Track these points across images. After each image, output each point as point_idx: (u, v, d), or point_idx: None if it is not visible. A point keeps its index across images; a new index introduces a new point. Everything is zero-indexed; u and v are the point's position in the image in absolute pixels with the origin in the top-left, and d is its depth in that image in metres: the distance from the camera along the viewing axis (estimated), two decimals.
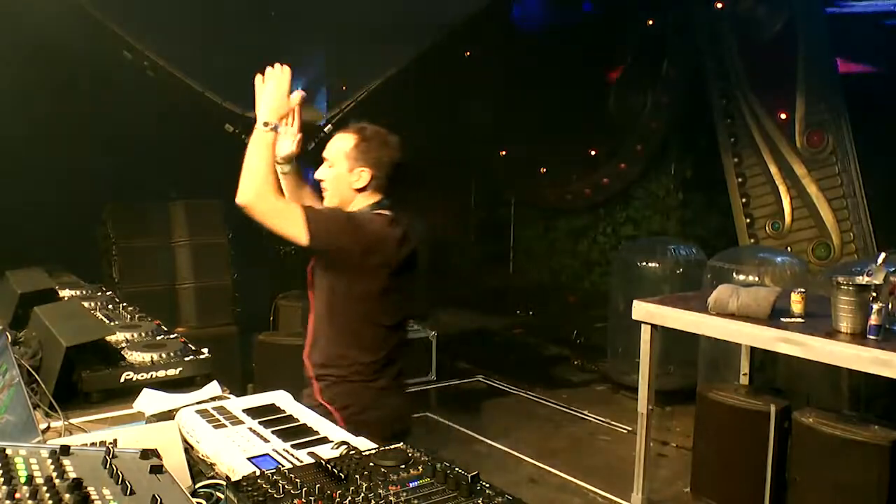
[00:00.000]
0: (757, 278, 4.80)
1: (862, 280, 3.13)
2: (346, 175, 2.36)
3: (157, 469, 1.27)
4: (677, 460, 4.55)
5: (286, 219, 2.20)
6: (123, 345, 2.35)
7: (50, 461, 1.23)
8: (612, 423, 5.24)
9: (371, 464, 1.37)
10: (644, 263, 5.84)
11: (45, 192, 5.14)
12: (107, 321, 2.66)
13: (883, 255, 3.28)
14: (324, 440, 1.63)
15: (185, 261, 5.67)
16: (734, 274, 4.84)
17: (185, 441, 1.65)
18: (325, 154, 2.41)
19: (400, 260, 2.36)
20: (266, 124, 2.25)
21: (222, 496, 1.41)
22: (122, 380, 2.12)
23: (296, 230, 2.18)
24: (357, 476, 1.32)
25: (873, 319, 3.03)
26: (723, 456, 3.76)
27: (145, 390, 2.05)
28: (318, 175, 2.42)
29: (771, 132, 6.28)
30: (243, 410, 1.82)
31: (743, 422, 3.66)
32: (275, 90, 2.28)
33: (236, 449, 1.56)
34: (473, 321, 8.05)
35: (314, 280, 2.43)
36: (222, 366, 2.49)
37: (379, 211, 2.37)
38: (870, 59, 6.25)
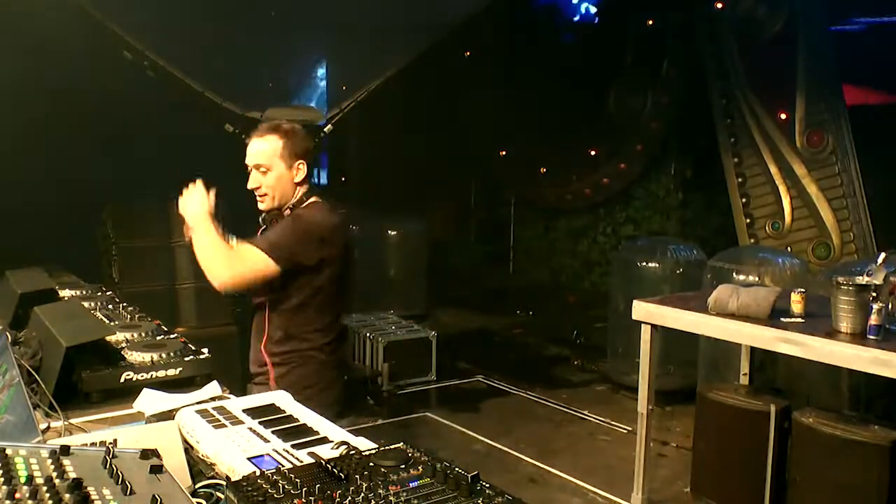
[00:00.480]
0: (757, 278, 4.80)
1: (862, 280, 3.13)
2: (286, 173, 2.52)
3: (157, 469, 1.27)
4: (677, 460, 4.55)
5: (253, 265, 2.41)
6: (123, 345, 2.35)
7: (50, 461, 1.23)
8: (612, 423, 5.24)
9: (371, 464, 1.37)
10: (644, 263, 5.84)
11: (45, 192, 5.14)
12: (107, 321, 2.66)
13: (883, 254, 3.28)
14: (324, 440, 1.63)
15: (185, 261, 5.66)
16: (734, 274, 4.84)
17: (185, 441, 1.65)
18: (252, 162, 2.53)
19: (346, 243, 2.58)
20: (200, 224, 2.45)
21: (222, 496, 1.41)
22: (122, 380, 2.12)
23: (264, 267, 2.40)
24: (357, 476, 1.32)
25: (873, 319, 3.03)
26: (723, 456, 3.76)
27: (145, 390, 2.05)
28: (252, 184, 2.54)
29: (771, 132, 6.29)
30: (243, 410, 1.82)
31: (743, 422, 3.65)
32: (197, 203, 2.48)
33: (236, 449, 1.56)
34: (473, 321, 8.06)
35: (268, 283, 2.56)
36: (222, 366, 2.49)
37: (313, 199, 2.56)
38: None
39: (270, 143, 2.51)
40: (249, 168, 2.55)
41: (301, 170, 2.53)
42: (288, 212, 2.56)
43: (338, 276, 2.53)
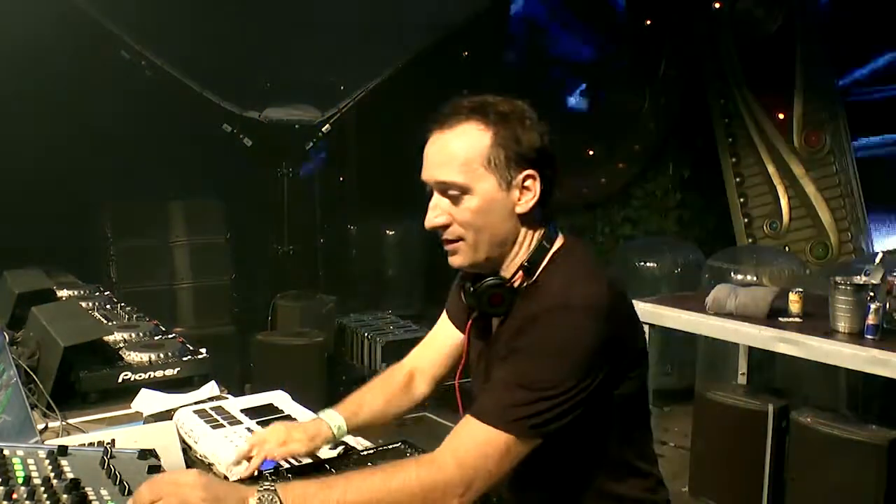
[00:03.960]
0: (755, 278, 4.80)
1: (859, 280, 3.14)
2: (500, 196, 1.43)
3: (155, 469, 1.27)
4: (675, 460, 4.54)
5: (487, 461, 1.29)
6: (121, 345, 2.35)
7: (47, 461, 1.23)
8: None
9: (369, 463, 1.37)
10: (642, 263, 5.84)
11: (42, 192, 5.13)
12: (105, 321, 2.66)
13: (881, 254, 3.28)
14: None
15: (183, 261, 5.67)
16: (732, 274, 4.85)
17: (183, 441, 1.65)
18: (432, 177, 1.46)
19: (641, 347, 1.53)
20: None
21: None
22: (119, 380, 2.12)
23: (513, 453, 1.30)
24: None
25: (871, 319, 3.03)
26: (721, 455, 3.76)
27: (143, 390, 2.05)
28: (434, 220, 1.46)
29: (769, 132, 6.29)
30: (241, 410, 1.82)
31: (741, 421, 3.66)
32: None
33: (234, 449, 1.56)
34: None
35: None
36: (220, 366, 2.48)
37: (560, 243, 1.50)
38: None
39: (468, 140, 1.42)
40: (428, 188, 1.49)
41: (531, 189, 1.44)
42: (520, 276, 1.45)
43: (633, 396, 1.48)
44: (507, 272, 1.47)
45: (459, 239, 1.44)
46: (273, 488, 1.17)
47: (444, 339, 1.75)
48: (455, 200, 1.43)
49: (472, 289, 1.47)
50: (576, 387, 1.31)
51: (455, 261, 1.48)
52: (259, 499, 1.16)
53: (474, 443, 1.29)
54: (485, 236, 1.43)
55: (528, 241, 1.47)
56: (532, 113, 1.46)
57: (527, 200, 1.44)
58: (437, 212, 1.45)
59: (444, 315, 1.76)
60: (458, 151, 1.41)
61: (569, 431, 1.33)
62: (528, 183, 1.44)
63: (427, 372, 1.78)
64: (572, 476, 1.46)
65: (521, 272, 1.46)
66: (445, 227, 1.45)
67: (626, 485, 1.48)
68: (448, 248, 1.47)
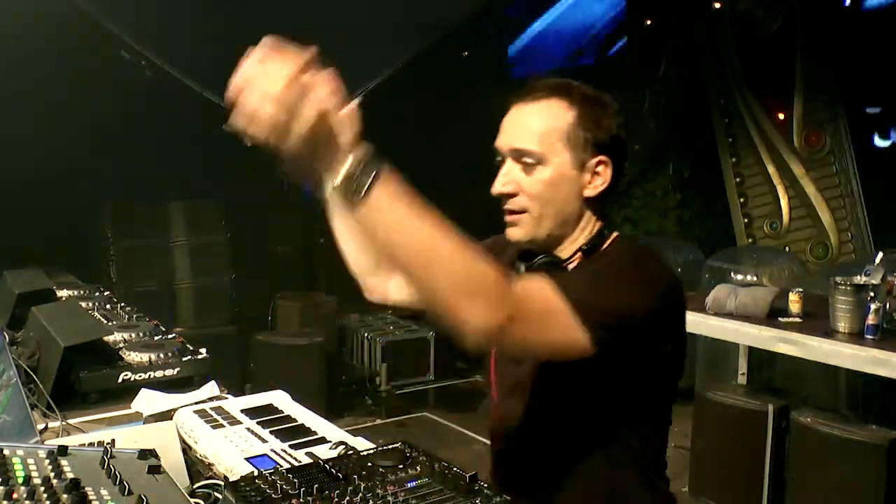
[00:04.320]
0: (755, 278, 4.81)
1: (859, 280, 3.14)
2: (573, 176, 1.42)
3: (155, 469, 1.27)
4: (676, 460, 4.51)
5: (545, 317, 1.22)
6: (121, 345, 2.35)
7: (47, 461, 1.23)
8: None
9: (369, 464, 1.37)
10: None
11: (42, 192, 5.13)
12: (104, 321, 2.66)
13: (881, 254, 3.29)
14: (322, 440, 1.63)
15: (183, 261, 5.67)
16: (732, 274, 4.85)
17: (183, 441, 1.65)
18: (509, 143, 1.43)
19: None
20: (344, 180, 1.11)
21: (220, 496, 1.41)
22: (119, 380, 2.12)
23: (567, 333, 1.24)
24: (355, 476, 1.31)
25: (871, 319, 3.03)
26: (721, 455, 3.77)
27: (143, 390, 2.05)
28: (502, 185, 1.43)
29: (769, 132, 6.29)
30: (241, 410, 1.82)
31: (741, 421, 3.66)
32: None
33: (234, 449, 1.56)
34: None
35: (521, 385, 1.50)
36: (220, 366, 2.48)
37: (615, 234, 1.49)
38: None
39: (550, 114, 1.41)
40: (500, 156, 1.46)
41: (602, 175, 1.43)
42: (579, 256, 1.45)
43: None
44: (563, 253, 1.46)
45: (523, 211, 1.43)
46: (379, 160, 1.09)
47: None
48: (528, 170, 1.42)
49: (530, 264, 1.45)
50: (642, 311, 1.32)
51: (515, 233, 1.45)
52: (360, 156, 1.09)
53: (543, 296, 1.23)
54: (550, 211, 1.42)
55: (589, 226, 1.46)
56: (613, 103, 1.46)
57: (596, 185, 1.43)
58: (508, 179, 1.43)
59: None
60: (539, 122, 1.41)
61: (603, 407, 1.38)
62: (600, 169, 1.43)
63: None
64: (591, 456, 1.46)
65: (580, 254, 1.45)
66: (512, 196, 1.43)
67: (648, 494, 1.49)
68: (510, 219, 1.45)
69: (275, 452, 1.55)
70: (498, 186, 1.43)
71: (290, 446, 1.58)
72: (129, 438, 1.54)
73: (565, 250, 1.46)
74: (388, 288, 1.63)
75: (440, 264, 1.12)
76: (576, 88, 1.44)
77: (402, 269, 1.17)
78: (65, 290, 3.23)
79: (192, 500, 1.39)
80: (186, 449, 1.64)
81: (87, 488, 1.15)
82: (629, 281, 1.35)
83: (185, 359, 2.26)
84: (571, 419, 1.45)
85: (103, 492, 1.16)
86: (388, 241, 1.13)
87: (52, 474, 1.19)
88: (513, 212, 1.44)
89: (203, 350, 2.34)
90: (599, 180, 1.43)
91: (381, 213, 1.10)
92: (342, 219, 1.54)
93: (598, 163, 1.42)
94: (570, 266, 1.45)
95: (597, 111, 1.43)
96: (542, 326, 1.22)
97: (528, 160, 1.40)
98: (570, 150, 1.40)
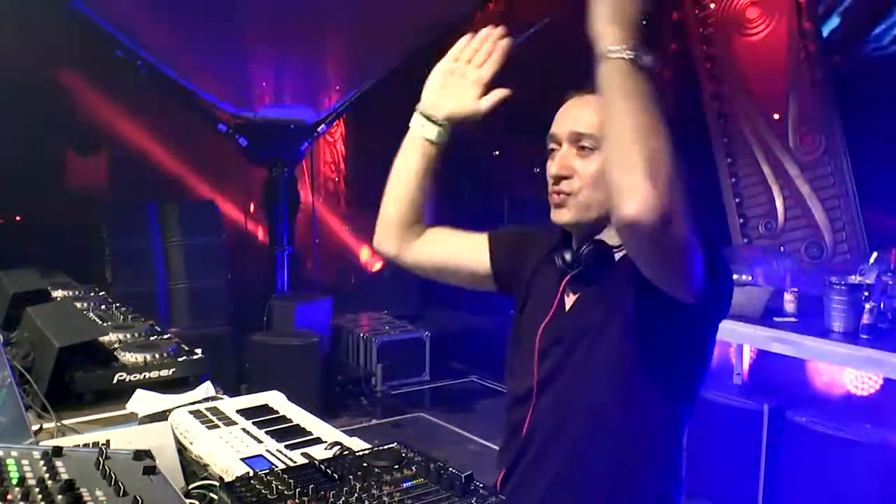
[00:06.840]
0: (750, 278, 4.81)
1: (854, 279, 3.15)
2: None
3: (151, 470, 1.26)
4: None
5: (690, 244, 1.35)
6: (116, 345, 2.34)
7: (42, 462, 1.23)
8: None
9: (364, 464, 1.37)
10: None
11: (38, 192, 5.13)
12: (99, 322, 2.65)
13: (875, 254, 3.29)
14: (317, 441, 1.63)
15: (179, 261, 5.66)
16: None
17: (178, 442, 1.65)
18: (569, 127, 1.52)
19: None
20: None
21: (216, 497, 1.41)
22: (114, 380, 2.11)
23: (693, 268, 1.36)
24: (350, 476, 1.32)
25: (865, 318, 3.04)
26: (717, 455, 3.77)
27: (138, 391, 2.05)
28: (557, 168, 1.51)
29: (764, 132, 6.30)
30: (237, 411, 1.81)
31: (736, 421, 3.66)
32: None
33: (230, 449, 1.56)
34: (467, 321, 8.05)
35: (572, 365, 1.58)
36: (216, 366, 2.48)
37: None
38: None
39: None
40: (554, 142, 1.55)
41: None
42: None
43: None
44: (612, 240, 1.52)
45: (572, 194, 1.50)
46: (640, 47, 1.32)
47: (470, 244, 1.79)
48: (584, 154, 1.49)
49: (585, 246, 1.52)
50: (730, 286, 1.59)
51: (561, 215, 1.52)
52: (628, 52, 1.34)
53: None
54: (600, 196, 1.46)
55: None
56: (668, 106, 1.56)
57: None
58: (564, 162, 1.51)
59: (485, 238, 1.78)
60: (597, 113, 1.44)
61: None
62: None
63: (433, 239, 1.79)
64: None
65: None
66: (565, 178, 1.50)
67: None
68: (557, 199, 1.51)
69: (270, 453, 1.55)
70: (555, 168, 1.51)
71: (286, 447, 1.58)
72: (124, 439, 1.54)
73: (611, 237, 1.52)
74: (408, 247, 1.75)
75: (657, 142, 1.30)
76: None
77: (615, 129, 1.28)
78: (60, 291, 3.23)
79: (188, 501, 1.39)
80: (182, 449, 1.63)
81: (82, 489, 1.15)
82: (710, 262, 1.42)
83: (180, 359, 2.26)
84: (622, 399, 1.61)
85: (98, 493, 1.16)
86: (622, 106, 1.28)
87: (46, 475, 1.18)
88: (561, 193, 1.51)
89: (198, 350, 2.33)
90: None
91: (637, 85, 1.31)
92: (423, 160, 1.70)
93: None
94: (619, 255, 1.51)
95: None
96: (684, 245, 1.33)
97: (587, 144, 1.49)
98: None
